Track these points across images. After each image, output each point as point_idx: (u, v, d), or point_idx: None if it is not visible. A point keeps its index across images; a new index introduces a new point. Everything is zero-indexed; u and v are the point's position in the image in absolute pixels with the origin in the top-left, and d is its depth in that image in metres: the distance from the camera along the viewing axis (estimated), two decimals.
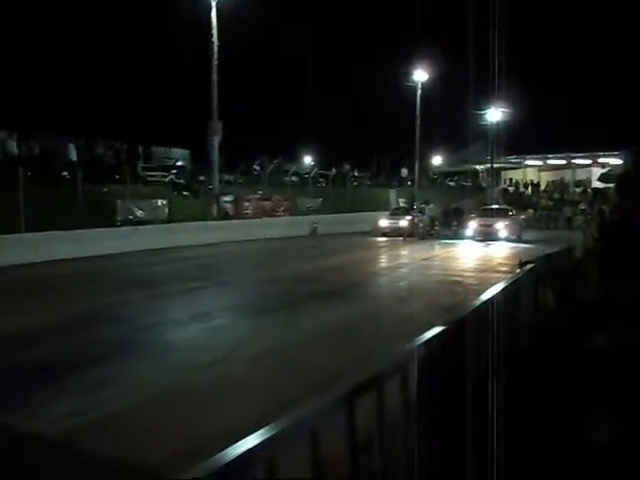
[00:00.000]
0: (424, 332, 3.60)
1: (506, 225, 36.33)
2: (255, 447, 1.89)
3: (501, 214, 37.89)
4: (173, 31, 39.51)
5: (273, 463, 1.93)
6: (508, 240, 34.86)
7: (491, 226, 36.04)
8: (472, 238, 35.78)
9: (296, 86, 55.71)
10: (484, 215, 37.93)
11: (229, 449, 1.88)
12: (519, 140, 56.09)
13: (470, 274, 20.60)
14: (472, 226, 36.92)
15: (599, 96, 55.74)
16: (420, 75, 52.69)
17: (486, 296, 5.03)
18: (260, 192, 39.45)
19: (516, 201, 50.19)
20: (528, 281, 7.15)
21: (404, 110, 53.74)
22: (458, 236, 38.10)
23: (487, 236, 35.26)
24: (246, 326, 12.57)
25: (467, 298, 14.50)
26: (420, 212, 41.58)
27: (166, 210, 32.23)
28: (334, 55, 57.77)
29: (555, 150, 58.24)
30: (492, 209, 40.08)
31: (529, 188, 60.18)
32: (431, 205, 45.15)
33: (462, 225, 40.25)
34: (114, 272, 21.34)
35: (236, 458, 1.81)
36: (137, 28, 45.95)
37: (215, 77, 35.85)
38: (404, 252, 29.97)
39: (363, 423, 2.52)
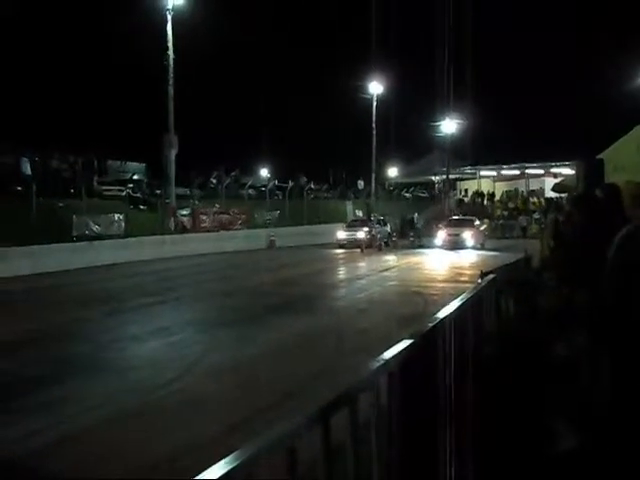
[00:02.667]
0: (386, 345, 3.60)
1: (472, 234, 38.42)
2: (232, 468, 1.86)
3: (467, 224, 39.98)
4: (128, 43, 39.29)
5: None
6: (474, 248, 36.73)
7: (458, 235, 37.91)
8: (441, 247, 37.39)
9: (252, 99, 55.78)
10: (451, 225, 39.92)
11: (205, 471, 1.84)
12: (474, 151, 56.94)
13: (431, 285, 20.70)
14: (441, 236, 38.73)
15: (551, 109, 56.75)
16: (375, 87, 53.05)
17: (450, 308, 5.05)
18: (217, 205, 39.30)
19: (472, 211, 50.76)
20: (489, 291, 7.20)
21: (360, 122, 54.12)
22: (415, 246, 39.06)
23: (455, 245, 37.03)
24: (206, 341, 12.46)
25: (427, 309, 14.59)
26: (378, 223, 41.91)
27: (123, 224, 31.91)
28: (290, 69, 58.00)
29: (509, 161, 59.02)
30: (458, 219, 42.37)
31: (484, 198, 60.84)
32: (416, 214, 46.41)
33: (419, 235, 41.53)
34: (71, 288, 21.03)
35: None
36: (90, 40, 45.61)
37: (171, 90, 35.66)
38: (362, 264, 30.04)
39: (336, 435, 2.50)
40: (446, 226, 39.96)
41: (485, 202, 59.82)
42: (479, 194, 61.93)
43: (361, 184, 57.66)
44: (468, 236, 38.05)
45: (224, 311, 16.02)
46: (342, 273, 27.28)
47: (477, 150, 58.15)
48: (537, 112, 59.35)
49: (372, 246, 37.88)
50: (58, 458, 6.65)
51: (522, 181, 61.06)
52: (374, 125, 52.17)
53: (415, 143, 61.35)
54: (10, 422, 7.68)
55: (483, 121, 56.76)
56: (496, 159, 59.53)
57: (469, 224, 40.05)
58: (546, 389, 5.80)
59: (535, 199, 56.24)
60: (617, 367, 4.64)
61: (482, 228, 42.14)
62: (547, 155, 52.67)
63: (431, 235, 40.65)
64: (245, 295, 18.95)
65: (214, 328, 13.74)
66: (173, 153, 35.97)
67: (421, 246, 39.07)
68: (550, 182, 55.67)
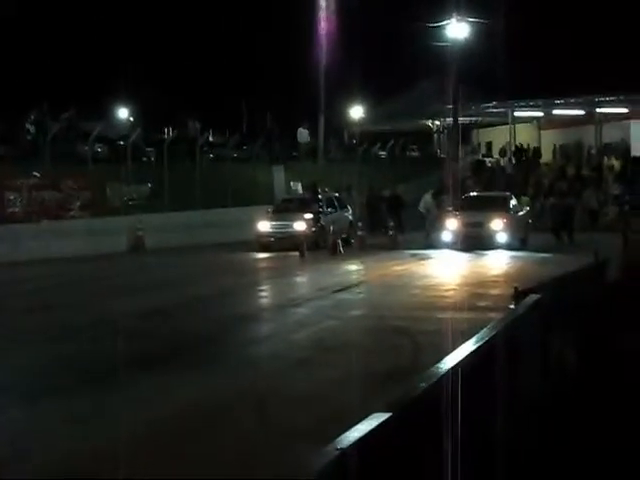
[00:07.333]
0: (342, 423, 3.57)
1: (506, 224, 38.68)
2: None
3: (496, 206, 40.46)
4: None
5: None
6: (509, 248, 37.34)
7: (482, 226, 38.63)
8: (451, 246, 37.94)
9: None
10: (470, 208, 40.49)
11: None
12: (504, 76, 57.13)
13: (424, 316, 20.81)
14: (451, 227, 39.00)
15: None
16: None
17: (455, 357, 5.05)
18: (37, 174, 39.00)
19: (499, 182, 51.30)
20: (531, 326, 7.20)
21: (297, 25, 54.07)
22: (397, 245, 39.18)
23: (475, 242, 37.70)
24: (22, 419, 12.33)
25: (416, 360, 14.62)
26: (332, 206, 41.93)
27: None
28: None
29: (566, 92, 59.37)
30: (481, 197, 43.69)
31: (522, 158, 61.35)
32: (428, 195, 46.31)
33: (403, 226, 41.78)
34: None
35: None
36: None
37: None
38: (303, 278, 30.20)
39: None
40: (460, 209, 40.40)
41: (523, 165, 60.35)
42: (512, 151, 62.43)
43: (304, 134, 57.70)
44: (499, 227, 38.37)
45: (57, 364, 15.92)
46: (266, 295, 27.40)
47: (511, 74, 58.43)
48: (614, 8, 59.97)
49: (321, 246, 38.03)
50: None
51: (590, 128, 61.62)
52: (322, 31, 52.09)
53: (400, 62, 61.57)
54: None
55: (522, 22, 57.22)
56: (543, 89, 59.89)
57: (500, 206, 40.35)
58: None
59: (613, 160, 56.75)
60: None
61: (523, 213, 42.63)
62: (632, 80, 53.28)
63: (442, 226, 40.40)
64: (94, 335, 18.80)
65: (40, 395, 13.55)
66: None
67: (429, 246, 39.34)
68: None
